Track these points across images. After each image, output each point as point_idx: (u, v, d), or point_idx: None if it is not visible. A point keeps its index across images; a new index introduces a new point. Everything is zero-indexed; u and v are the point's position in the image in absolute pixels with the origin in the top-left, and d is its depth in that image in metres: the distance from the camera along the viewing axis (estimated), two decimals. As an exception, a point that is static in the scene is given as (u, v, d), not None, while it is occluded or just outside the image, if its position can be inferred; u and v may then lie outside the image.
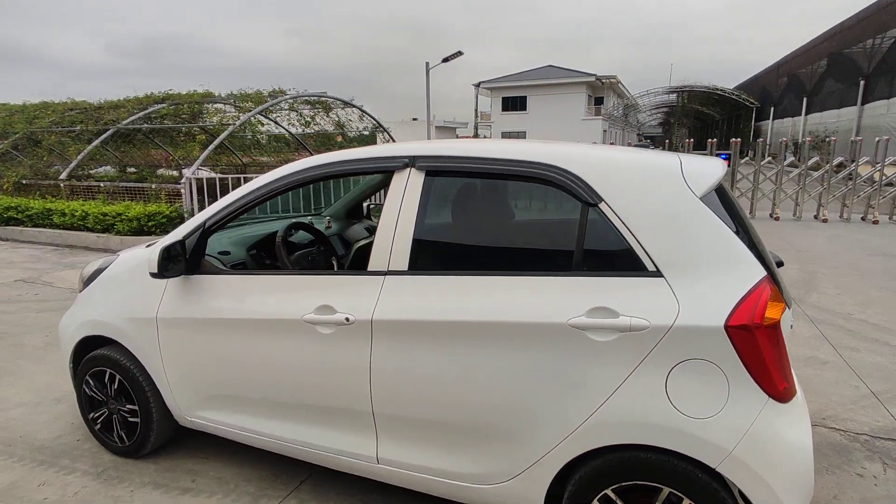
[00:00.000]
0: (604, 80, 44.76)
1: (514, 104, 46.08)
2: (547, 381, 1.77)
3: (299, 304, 2.13)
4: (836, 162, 11.24)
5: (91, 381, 2.69)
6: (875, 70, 22.32)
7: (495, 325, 1.82)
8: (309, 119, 13.57)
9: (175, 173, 11.74)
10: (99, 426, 2.74)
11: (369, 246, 3.64)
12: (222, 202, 2.41)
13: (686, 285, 1.65)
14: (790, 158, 13.38)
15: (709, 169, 1.80)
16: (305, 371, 2.16)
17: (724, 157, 11.98)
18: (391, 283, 2.01)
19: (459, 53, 16.43)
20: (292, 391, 2.22)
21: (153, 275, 2.25)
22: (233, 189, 8.27)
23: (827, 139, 12.62)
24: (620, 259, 1.75)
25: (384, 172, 2.13)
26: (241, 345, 2.27)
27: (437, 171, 2.05)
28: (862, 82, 23.03)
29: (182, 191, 8.14)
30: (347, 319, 2.02)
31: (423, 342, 1.93)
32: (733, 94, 42.41)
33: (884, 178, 11.08)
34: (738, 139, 11.85)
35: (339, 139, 15.03)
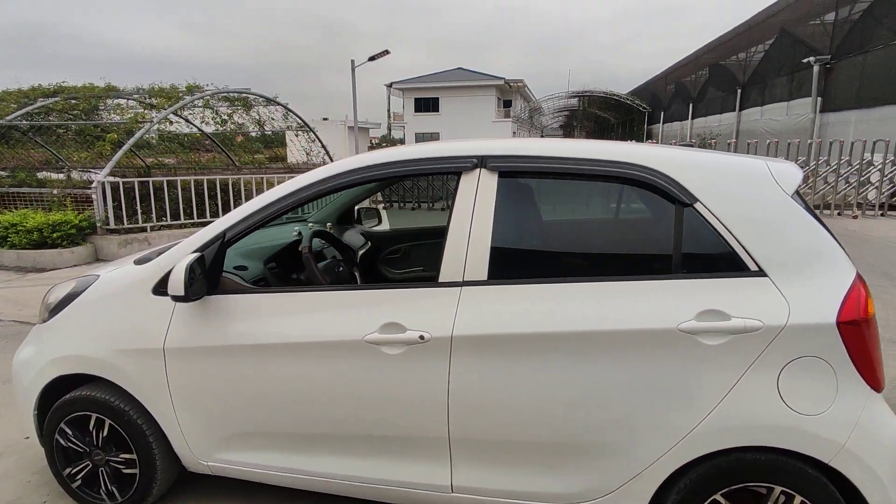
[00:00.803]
0: (511, 84, 46.36)
1: (426, 105, 46.28)
2: (652, 389, 1.71)
3: (358, 323, 1.89)
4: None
5: (68, 430, 2.22)
6: (749, 80, 25.12)
7: (594, 334, 1.72)
8: (226, 117, 12.65)
9: (62, 177, 10.31)
10: (79, 483, 2.27)
11: (368, 254, 3.41)
12: (246, 208, 2.08)
13: (791, 284, 1.66)
14: None
15: (791, 169, 1.83)
16: (365, 398, 1.92)
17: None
18: (469, 294, 1.84)
19: (386, 52, 16.09)
20: (346, 421, 1.97)
21: (177, 298, 1.89)
22: (154, 194, 7.47)
23: (727, 142, 13.83)
24: (721, 260, 1.73)
25: (450, 174, 1.95)
26: (281, 373, 1.97)
27: (511, 171, 1.91)
28: (739, 91, 25.81)
29: (93, 196, 7.17)
30: (422, 337, 1.82)
31: (510, 357, 1.78)
32: (628, 99, 45.78)
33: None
34: (653, 140, 12.63)
35: (240, 139, 14.14)
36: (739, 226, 1.72)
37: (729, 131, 26.06)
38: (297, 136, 13.57)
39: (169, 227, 7.73)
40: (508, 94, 48.95)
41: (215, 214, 8.15)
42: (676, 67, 35.99)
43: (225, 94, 11.20)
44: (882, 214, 11.34)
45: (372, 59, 16.13)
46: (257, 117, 12.78)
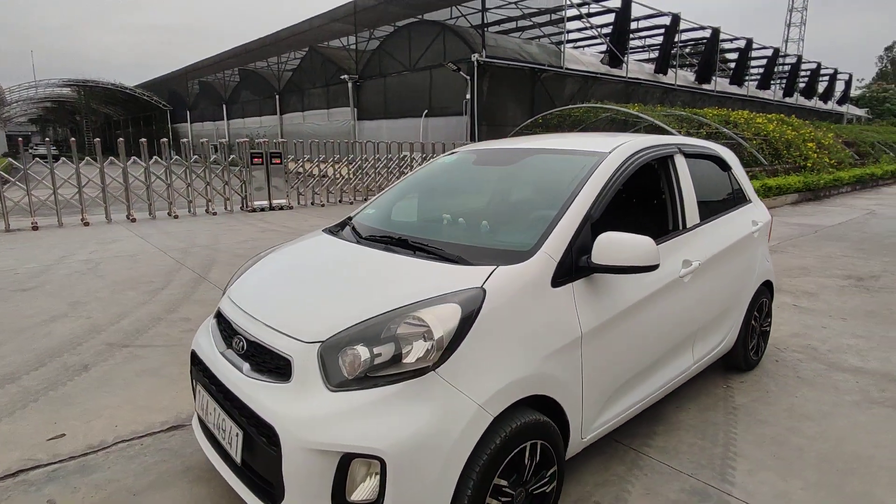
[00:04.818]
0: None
1: None
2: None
3: (674, 265, 2.61)
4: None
5: (503, 482, 1.79)
6: (286, 88, 28.19)
7: (737, 242, 3.14)
8: None
9: None
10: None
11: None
12: (592, 191, 2.27)
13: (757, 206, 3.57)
14: (214, 156, 13.49)
15: None
16: (673, 320, 2.66)
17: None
18: (698, 232, 2.88)
19: None
20: (657, 345, 2.59)
21: (650, 268, 2.04)
22: None
23: (274, 141, 13.57)
24: (737, 197, 3.45)
25: (667, 157, 2.84)
26: (639, 322, 2.40)
27: (687, 154, 3.00)
28: (277, 97, 28.57)
29: None
30: (699, 264, 2.74)
31: (717, 264, 2.96)
32: (142, 94, 41.70)
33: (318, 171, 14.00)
34: (145, 139, 11.36)
35: None
36: (743, 181, 3.49)
37: (273, 132, 28.53)
38: None
39: None
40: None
41: None
42: (200, 66, 35.58)
43: None
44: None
45: None
46: None
